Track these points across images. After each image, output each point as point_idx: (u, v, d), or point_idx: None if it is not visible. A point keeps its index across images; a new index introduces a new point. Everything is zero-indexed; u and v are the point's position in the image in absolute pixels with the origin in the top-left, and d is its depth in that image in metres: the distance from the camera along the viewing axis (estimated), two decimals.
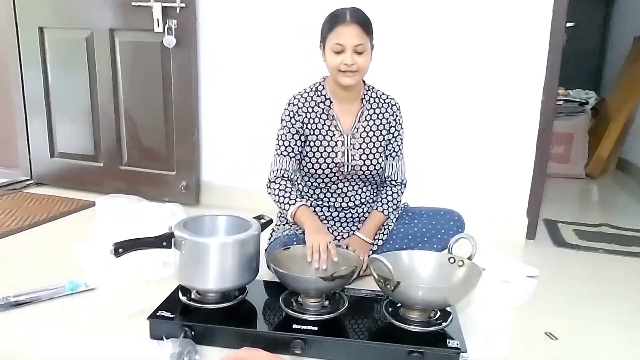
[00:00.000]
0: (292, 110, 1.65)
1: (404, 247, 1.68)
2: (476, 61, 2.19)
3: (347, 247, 1.65)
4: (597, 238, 2.34)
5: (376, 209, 1.73)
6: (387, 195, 1.73)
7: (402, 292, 1.28)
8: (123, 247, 1.33)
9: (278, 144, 1.67)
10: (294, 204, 1.58)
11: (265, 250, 1.67)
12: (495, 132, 2.23)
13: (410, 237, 1.71)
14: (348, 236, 1.75)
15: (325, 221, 1.75)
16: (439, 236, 1.69)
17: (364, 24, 1.54)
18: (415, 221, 1.74)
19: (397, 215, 1.77)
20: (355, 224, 1.76)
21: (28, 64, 2.72)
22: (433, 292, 1.34)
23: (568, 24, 2.27)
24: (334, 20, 1.55)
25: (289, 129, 1.65)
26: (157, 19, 2.36)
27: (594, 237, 2.35)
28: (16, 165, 2.92)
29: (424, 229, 1.71)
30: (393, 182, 1.75)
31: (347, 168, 1.67)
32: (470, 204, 2.28)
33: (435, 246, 1.68)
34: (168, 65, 2.46)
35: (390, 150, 1.73)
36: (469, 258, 1.42)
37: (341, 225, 1.76)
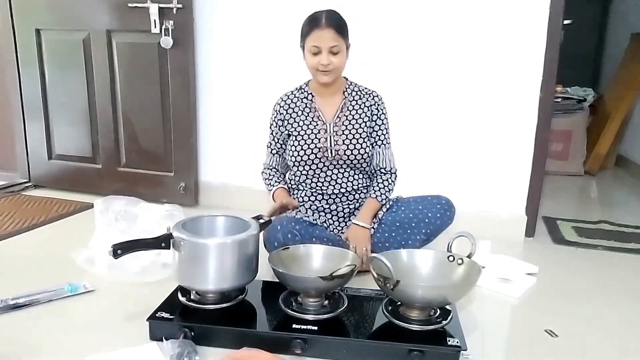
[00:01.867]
0: (275, 110, 1.85)
1: (393, 234, 1.75)
2: (474, 59, 2.19)
3: (347, 240, 1.71)
4: (596, 235, 2.34)
5: (369, 196, 1.81)
6: (379, 182, 1.81)
7: (401, 291, 1.28)
8: (122, 249, 1.33)
9: (268, 142, 1.90)
10: (272, 187, 1.84)
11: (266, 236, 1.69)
12: (493, 129, 2.23)
13: (397, 224, 1.76)
14: (345, 227, 1.81)
15: (323, 213, 1.81)
16: (427, 220, 1.75)
17: (339, 27, 1.67)
18: (403, 208, 1.80)
19: (387, 207, 1.82)
20: (350, 214, 1.83)
21: (25, 66, 2.72)
22: (433, 291, 1.33)
23: (565, 22, 2.27)
24: (311, 24, 1.68)
25: (273, 129, 1.86)
26: (154, 20, 2.36)
27: (593, 234, 2.36)
28: (14, 168, 2.91)
29: (410, 215, 1.77)
30: (383, 171, 1.82)
31: (332, 153, 1.75)
32: (469, 202, 2.28)
33: (423, 230, 1.74)
34: (165, 66, 2.46)
35: (375, 139, 1.81)
36: (469, 256, 1.42)
37: (337, 216, 1.82)
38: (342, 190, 1.80)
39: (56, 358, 1.28)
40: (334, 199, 1.81)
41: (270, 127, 1.87)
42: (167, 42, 2.36)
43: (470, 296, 1.63)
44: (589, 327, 1.51)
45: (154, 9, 2.34)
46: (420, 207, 1.78)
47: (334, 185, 1.80)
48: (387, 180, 1.82)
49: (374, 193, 1.80)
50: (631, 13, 4.05)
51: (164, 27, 2.36)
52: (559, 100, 3.59)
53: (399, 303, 1.37)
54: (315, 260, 1.52)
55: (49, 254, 1.95)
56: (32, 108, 2.76)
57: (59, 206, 2.52)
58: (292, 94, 1.85)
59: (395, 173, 1.85)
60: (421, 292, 1.30)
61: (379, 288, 1.38)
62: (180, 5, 2.34)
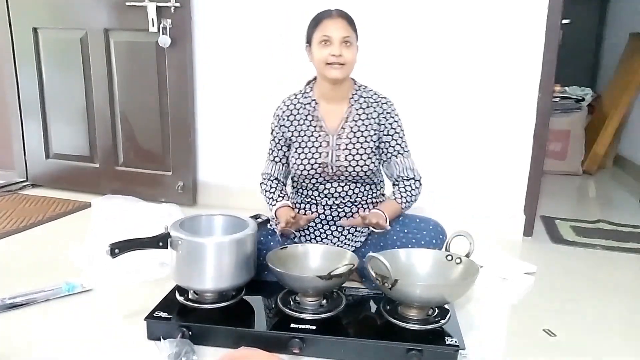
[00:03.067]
0: (278, 115, 1.72)
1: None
2: (472, 59, 2.19)
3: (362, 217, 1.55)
4: (595, 234, 2.34)
5: (390, 198, 1.67)
6: (401, 188, 1.66)
7: (400, 290, 1.28)
8: (119, 248, 1.33)
9: (268, 149, 1.77)
10: (274, 205, 1.69)
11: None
12: (491, 129, 2.23)
13: (381, 244, 1.61)
14: (341, 235, 1.70)
15: (318, 221, 1.71)
16: (410, 247, 1.58)
17: (350, 19, 1.60)
18: (392, 232, 1.62)
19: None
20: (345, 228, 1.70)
21: (22, 65, 2.71)
22: (431, 290, 1.33)
23: (564, 21, 2.27)
24: (320, 16, 1.60)
25: (275, 135, 1.73)
26: (152, 19, 2.35)
27: (591, 233, 2.36)
28: (11, 167, 2.91)
29: (394, 237, 1.61)
30: (405, 179, 1.67)
31: (332, 169, 1.64)
32: (467, 201, 2.28)
33: None
34: (163, 65, 2.45)
35: (391, 151, 1.67)
36: (467, 255, 1.42)
37: (335, 225, 1.71)
38: (342, 201, 1.68)
39: (53, 357, 1.27)
40: (331, 209, 1.69)
41: (272, 134, 1.74)
42: (164, 40, 2.36)
43: (469, 295, 1.62)
44: (587, 326, 1.51)
45: (151, 8, 2.34)
46: (405, 231, 1.62)
47: (334, 197, 1.68)
48: (409, 186, 1.66)
49: (395, 197, 1.65)
50: (629, 12, 4.05)
51: (161, 25, 2.35)
52: (558, 99, 3.59)
53: (397, 302, 1.37)
54: (313, 260, 1.52)
55: (46, 253, 1.94)
56: (29, 107, 2.75)
57: (56, 205, 2.52)
58: (295, 98, 1.72)
59: (419, 181, 1.68)
60: (419, 291, 1.30)
61: (377, 287, 1.38)
62: (177, 4, 2.33)
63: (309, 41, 1.63)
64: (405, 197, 1.65)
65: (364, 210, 1.70)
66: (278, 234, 1.63)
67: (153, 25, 2.36)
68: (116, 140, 2.64)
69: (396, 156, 1.67)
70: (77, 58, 2.59)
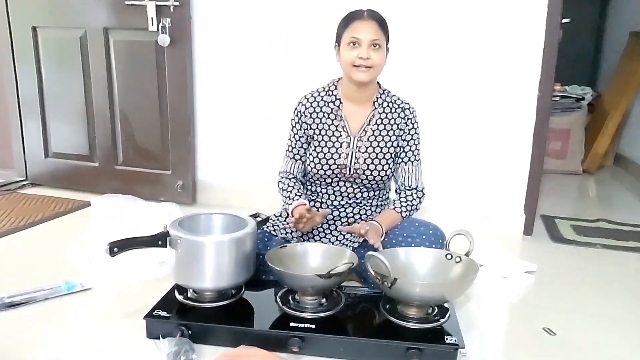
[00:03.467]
0: (300, 111, 1.67)
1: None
2: (472, 57, 2.18)
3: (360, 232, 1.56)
4: (595, 233, 2.34)
5: (389, 207, 1.68)
6: (402, 198, 1.67)
7: (399, 289, 1.28)
8: (118, 247, 1.32)
9: (287, 145, 1.72)
10: (291, 204, 1.63)
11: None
12: (491, 128, 2.22)
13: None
14: (337, 241, 1.69)
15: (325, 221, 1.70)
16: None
17: (381, 21, 1.56)
18: (391, 236, 1.61)
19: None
20: (352, 223, 1.70)
21: (22, 64, 2.70)
22: (430, 289, 1.33)
23: (564, 20, 2.26)
24: (351, 16, 1.56)
25: (296, 131, 1.69)
26: (152, 18, 2.35)
27: (592, 232, 2.35)
28: (11, 166, 2.90)
29: (394, 240, 1.59)
30: (407, 188, 1.67)
31: (350, 171, 1.64)
32: (467, 200, 2.28)
33: None
34: (163, 64, 2.45)
35: (402, 157, 1.67)
36: (466, 254, 1.41)
37: (340, 222, 1.71)
38: (348, 202, 1.69)
39: (53, 356, 1.27)
40: (334, 209, 1.69)
41: (292, 130, 1.69)
42: (164, 39, 2.35)
43: (469, 294, 1.62)
44: (587, 325, 1.51)
45: (151, 7, 2.33)
46: (404, 235, 1.59)
47: (342, 197, 1.69)
48: (412, 196, 1.66)
49: (394, 206, 1.65)
50: (629, 11, 4.05)
51: (161, 24, 2.35)
52: (558, 99, 3.58)
53: (397, 301, 1.37)
54: (313, 259, 1.51)
55: (45, 252, 1.94)
56: (28, 106, 2.75)
57: (55, 204, 2.51)
58: (318, 94, 1.67)
59: (422, 191, 1.68)
60: (419, 290, 1.29)
61: (376, 286, 1.38)
62: (177, 3, 2.33)
63: (338, 41, 1.60)
64: (405, 207, 1.66)
65: (365, 212, 1.71)
66: (289, 230, 1.61)
67: (152, 24, 2.36)
68: (115, 140, 2.63)
69: (406, 163, 1.67)
70: (76, 57, 2.58)
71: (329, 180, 1.67)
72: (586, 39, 4.63)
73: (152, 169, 2.60)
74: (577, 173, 3.57)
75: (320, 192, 1.71)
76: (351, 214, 1.71)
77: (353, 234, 1.65)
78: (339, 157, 1.63)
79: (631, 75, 3.57)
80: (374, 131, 1.64)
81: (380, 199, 1.75)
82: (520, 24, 2.11)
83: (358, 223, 1.70)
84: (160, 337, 1.27)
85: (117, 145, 2.64)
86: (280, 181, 1.72)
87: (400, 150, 1.67)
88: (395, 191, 1.72)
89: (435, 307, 1.36)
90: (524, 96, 2.16)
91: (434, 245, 1.57)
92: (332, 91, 1.67)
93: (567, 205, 2.83)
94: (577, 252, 2.13)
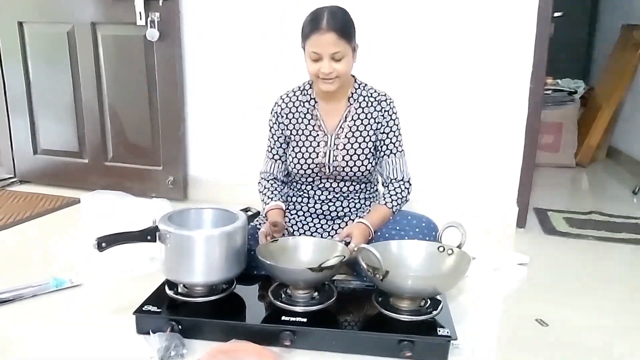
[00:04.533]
0: (276, 112, 1.69)
1: None
2: (463, 51, 2.17)
3: (347, 236, 1.54)
4: (587, 225, 2.34)
5: (379, 202, 1.64)
6: (390, 190, 1.64)
7: (391, 282, 1.27)
8: (106, 242, 1.31)
9: (267, 146, 1.74)
10: (267, 204, 1.67)
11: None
12: (483, 121, 2.22)
13: (373, 241, 1.56)
14: (332, 230, 1.68)
15: (309, 215, 1.71)
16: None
17: (342, 29, 1.47)
18: (383, 230, 1.61)
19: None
20: (338, 217, 1.71)
21: (8, 60, 2.67)
22: (422, 281, 1.32)
23: (556, 14, 2.26)
24: (311, 26, 1.48)
25: (274, 132, 1.70)
26: (140, 12, 2.32)
27: (584, 224, 2.36)
28: None
29: (386, 234, 1.59)
30: (393, 181, 1.64)
31: (329, 169, 1.64)
32: (460, 193, 2.27)
33: None
34: (152, 59, 2.42)
35: (384, 149, 1.64)
36: (459, 246, 1.41)
37: (325, 218, 1.70)
38: (335, 196, 1.69)
39: (42, 353, 1.25)
40: (322, 203, 1.69)
41: (270, 131, 1.71)
42: (152, 34, 2.33)
43: (461, 286, 1.62)
44: (579, 316, 1.50)
45: (139, 1, 2.30)
46: (397, 228, 1.59)
47: (328, 191, 1.69)
48: (398, 188, 1.62)
49: (385, 201, 1.62)
50: (622, 4, 4.05)
51: (149, 19, 2.31)
52: (550, 92, 3.58)
53: (389, 294, 1.36)
54: (304, 252, 1.50)
55: (34, 249, 1.92)
56: (16, 102, 2.71)
57: (44, 201, 2.48)
58: (293, 94, 1.68)
59: (409, 181, 1.65)
60: (411, 282, 1.29)
61: (368, 279, 1.37)
62: None
63: (303, 43, 1.54)
64: (395, 201, 1.62)
65: (355, 205, 1.71)
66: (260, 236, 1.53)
67: (141, 19, 2.32)
68: (105, 135, 2.60)
69: (388, 155, 1.65)
70: (64, 52, 2.55)
71: (310, 179, 1.68)
72: (579, 32, 4.64)
73: (142, 165, 2.58)
74: (570, 166, 3.58)
75: (306, 189, 1.71)
76: (340, 208, 1.70)
77: (346, 225, 1.65)
78: (317, 156, 1.63)
79: (623, 68, 3.58)
80: (350, 127, 1.63)
81: (368, 191, 1.74)
82: (511, 17, 2.10)
83: (348, 216, 1.70)
84: (151, 333, 1.25)
85: (106, 141, 2.61)
86: (259, 182, 1.74)
87: (381, 143, 1.64)
88: (382, 185, 1.70)
89: (428, 300, 1.35)
90: (516, 89, 2.15)
91: (426, 238, 1.56)
92: (307, 90, 1.67)
93: (559, 198, 2.84)
94: (570, 244, 2.14)
